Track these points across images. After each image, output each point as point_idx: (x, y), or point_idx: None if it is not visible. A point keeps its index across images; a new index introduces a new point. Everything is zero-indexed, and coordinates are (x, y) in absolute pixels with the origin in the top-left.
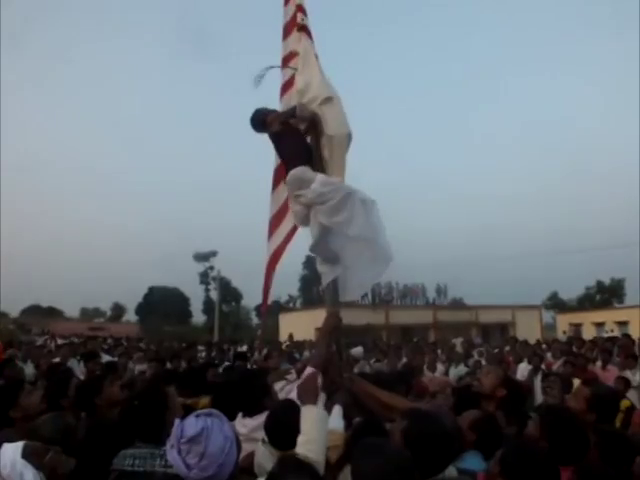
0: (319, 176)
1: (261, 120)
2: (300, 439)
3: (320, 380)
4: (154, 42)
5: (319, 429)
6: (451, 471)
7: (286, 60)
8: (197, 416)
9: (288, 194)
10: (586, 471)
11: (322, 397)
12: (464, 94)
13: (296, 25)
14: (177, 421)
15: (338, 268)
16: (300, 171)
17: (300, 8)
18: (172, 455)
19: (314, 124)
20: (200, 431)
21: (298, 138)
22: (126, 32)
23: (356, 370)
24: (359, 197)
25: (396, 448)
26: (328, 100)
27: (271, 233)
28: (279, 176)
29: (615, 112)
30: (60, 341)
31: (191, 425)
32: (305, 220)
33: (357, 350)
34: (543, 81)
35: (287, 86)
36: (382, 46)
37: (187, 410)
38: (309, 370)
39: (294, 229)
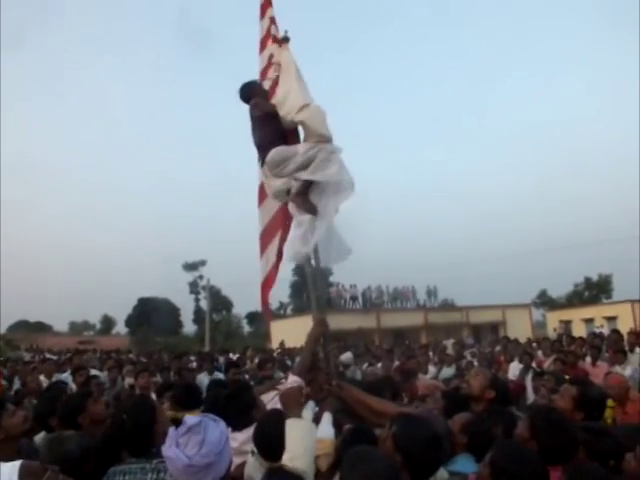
0: (302, 144)
1: (246, 96)
2: (285, 457)
3: (304, 388)
4: (153, 42)
5: (305, 443)
6: (443, 474)
7: (264, 73)
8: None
9: (265, 174)
10: (575, 470)
11: (311, 405)
12: (459, 92)
13: (270, 38)
14: (171, 429)
15: (320, 224)
16: (280, 149)
17: (273, 20)
18: (171, 451)
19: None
20: (199, 422)
21: (277, 129)
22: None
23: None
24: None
25: (384, 456)
26: (304, 107)
27: (263, 250)
28: (264, 193)
29: (609, 110)
30: (49, 356)
31: (189, 418)
32: (283, 195)
33: (347, 356)
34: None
35: (269, 96)
36: (381, 45)
37: (176, 424)
38: (292, 378)
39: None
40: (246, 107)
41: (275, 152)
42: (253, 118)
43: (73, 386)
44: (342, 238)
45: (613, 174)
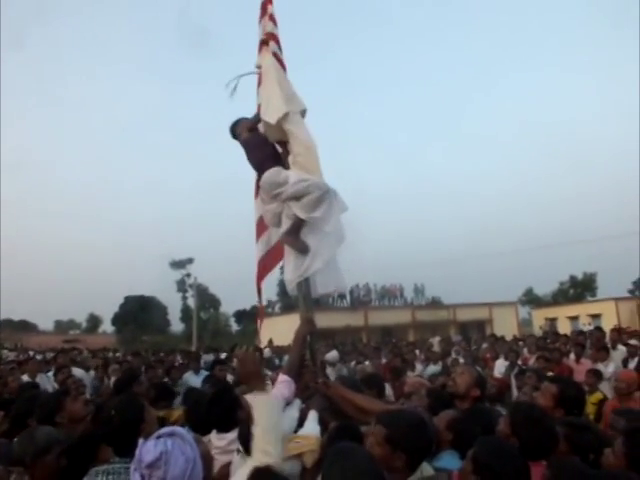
0: (293, 173)
1: (234, 131)
2: (256, 431)
3: (293, 387)
4: (153, 42)
5: (270, 418)
6: (428, 470)
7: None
8: (158, 437)
9: (261, 197)
10: (558, 465)
11: (297, 403)
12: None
13: (266, 36)
14: (140, 441)
15: (314, 262)
16: (274, 172)
17: (271, 17)
18: (135, 479)
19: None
20: (159, 456)
21: (265, 143)
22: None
23: (333, 374)
24: (334, 194)
25: (365, 452)
26: (286, 116)
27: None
28: (261, 227)
29: (602, 110)
30: (33, 356)
31: (149, 450)
32: (277, 220)
33: (332, 354)
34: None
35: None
36: (381, 43)
37: (160, 422)
38: (282, 377)
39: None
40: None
41: (267, 177)
42: (243, 143)
43: (55, 385)
44: (339, 271)
45: (601, 174)
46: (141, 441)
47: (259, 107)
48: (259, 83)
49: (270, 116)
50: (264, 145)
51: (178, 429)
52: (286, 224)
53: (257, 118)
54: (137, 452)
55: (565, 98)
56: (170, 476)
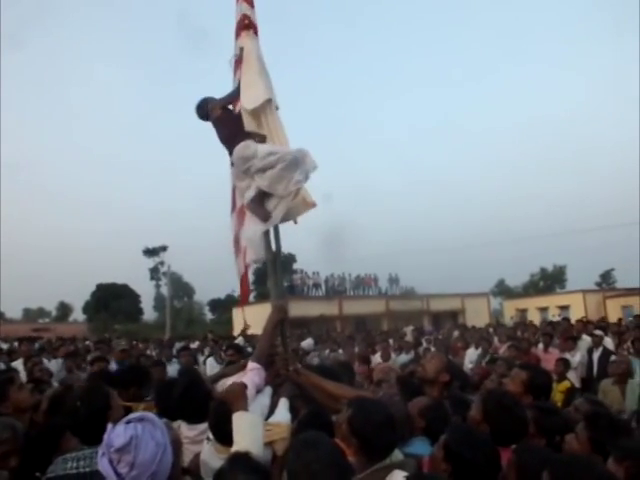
0: (263, 146)
1: (204, 110)
2: (233, 449)
3: (263, 374)
4: (153, 41)
5: (252, 437)
6: (398, 455)
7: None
8: (128, 422)
9: (235, 173)
10: (524, 450)
11: (268, 390)
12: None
13: (244, 22)
14: (109, 427)
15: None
16: (243, 145)
17: (249, 1)
18: (103, 464)
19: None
20: (129, 440)
21: (238, 120)
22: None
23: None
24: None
25: (330, 442)
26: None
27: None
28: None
29: (592, 104)
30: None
31: (119, 434)
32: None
33: (307, 342)
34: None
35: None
36: (380, 42)
37: (126, 412)
38: (252, 365)
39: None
40: None
41: (237, 151)
42: (214, 122)
43: (24, 375)
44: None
45: (571, 170)
46: (110, 426)
47: (238, 88)
48: (237, 66)
49: (248, 102)
50: (237, 121)
51: (148, 414)
52: (252, 192)
53: (231, 97)
54: (106, 436)
55: (527, 94)
56: (140, 461)
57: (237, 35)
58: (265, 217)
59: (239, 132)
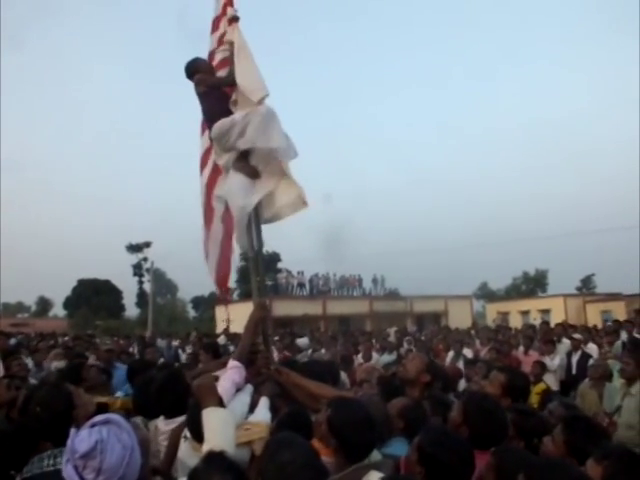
0: (237, 113)
1: (191, 72)
2: (204, 448)
3: (243, 373)
4: (153, 41)
5: (223, 434)
6: (376, 456)
7: (213, 54)
8: (92, 426)
9: (216, 151)
10: (502, 453)
11: (249, 388)
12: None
13: (225, 16)
14: (72, 431)
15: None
16: (220, 123)
17: (230, 1)
18: (68, 470)
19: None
20: (94, 445)
21: (225, 100)
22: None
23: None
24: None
25: (304, 443)
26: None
27: (208, 223)
28: (205, 159)
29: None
30: None
31: (83, 439)
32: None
33: (303, 340)
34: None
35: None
36: (379, 41)
37: (101, 408)
38: (233, 363)
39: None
40: None
41: (216, 127)
42: (199, 94)
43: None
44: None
45: (555, 175)
46: (73, 431)
47: (232, 76)
48: (230, 58)
49: (251, 93)
50: (221, 101)
51: (114, 416)
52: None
53: (222, 82)
54: (69, 442)
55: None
56: (106, 465)
57: (215, 28)
58: (252, 174)
59: (222, 112)
